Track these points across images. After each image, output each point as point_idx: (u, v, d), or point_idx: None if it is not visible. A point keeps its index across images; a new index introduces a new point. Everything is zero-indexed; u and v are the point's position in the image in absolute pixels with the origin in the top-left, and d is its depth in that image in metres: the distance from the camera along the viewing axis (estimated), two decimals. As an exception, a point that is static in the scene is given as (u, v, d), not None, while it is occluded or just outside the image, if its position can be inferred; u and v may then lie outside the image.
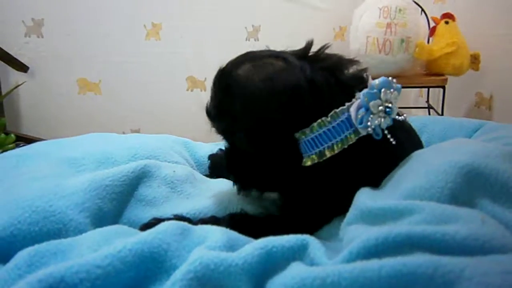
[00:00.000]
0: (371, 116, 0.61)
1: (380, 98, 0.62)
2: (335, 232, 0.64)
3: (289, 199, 0.73)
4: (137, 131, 1.74)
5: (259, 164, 0.70)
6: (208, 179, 0.92)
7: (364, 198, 0.60)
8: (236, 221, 0.68)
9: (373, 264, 0.41)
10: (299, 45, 1.70)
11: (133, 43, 1.66)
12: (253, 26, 1.81)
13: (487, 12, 1.57)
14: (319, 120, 0.63)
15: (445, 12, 1.60)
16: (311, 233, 0.62)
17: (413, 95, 2.16)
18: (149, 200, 0.74)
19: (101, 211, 0.66)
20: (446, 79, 1.52)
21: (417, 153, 0.67)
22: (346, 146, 0.62)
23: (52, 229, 0.57)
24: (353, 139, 0.62)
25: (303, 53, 0.69)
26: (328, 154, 0.63)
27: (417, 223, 0.47)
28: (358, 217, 0.57)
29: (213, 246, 0.51)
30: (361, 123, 0.61)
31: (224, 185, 0.88)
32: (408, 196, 0.54)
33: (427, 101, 1.89)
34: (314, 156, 0.64)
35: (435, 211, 0.48)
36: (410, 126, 0.77)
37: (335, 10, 1.93)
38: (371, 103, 0.61)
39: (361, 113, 0.61)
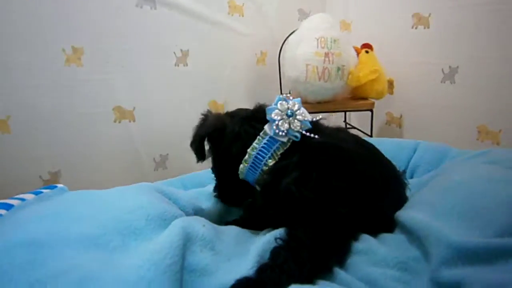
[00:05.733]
0: (276, 123, 0.76)
1: (279, 109, 0.77)
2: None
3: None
4: (57, 174, 1.46)
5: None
6: (220, 227, 0.84)
7: (445, 233, 0.63)
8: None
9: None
10: (224, 70, 1.75)
11: (50, 70, 1.38)
12: (181, 50, 1.71)
13: (401, 43, 1.80)
14: (251, 146, 0.79)
15: (364, 42, 1.78)
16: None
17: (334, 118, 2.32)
18: (202, 269, 0.64)
19: (176, 298, 0.54)
20: (373, 103, 1.68)
21: (464, 183, 0.73)
22: (277, 158, 0.77)
23: None
24: (281, 149, 0.78)
25: (247, 114, 0.86)
26: (266, 169, 0.77)
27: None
28: (455, 256, 0.59)
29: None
30: (275, 133, 0.77)
31: (241, 234, 0.82)
32: (502, 232, 0.59)
33: (345, 121, 2.07)
34: (261, 177, 0.78)
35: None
36: (357, 136, 0.91)
37: (256, 35, 1.97)
38: (273, 114, 0.77)
39: (272, 127, 0.77)
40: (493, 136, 1.52)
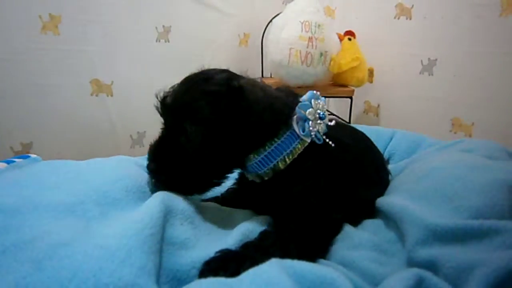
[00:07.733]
0: (310, 123, 0.72)
1: (312, 107, 0.73)
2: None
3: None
4: (29, 145, 1.41)
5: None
6: (200, 204, 0.83)
7: (421, 215, 0.65)
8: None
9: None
10: (206, 49, 1.72)
11: (25, 37, 1.32)
12: (164, 26, 1.67)
13: (383, 32, 1.82)
14: (271, 140, 0.72)
15: (347, 29, 1.79)
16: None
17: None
18: (182, 243, 0.64)
19: (156, 268, 0.53)
20: (353, 91, 1.70)
21: (441, 169, 0.75)
22: (296, 156, 0.72)
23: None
24: (300, 148, 0.72)
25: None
26: (281, 166, 0.72)
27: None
28: (430, 237, 0.61)
29: None
30: (303, 131, 0.72)
31: (221, 212, 0.82)
32: (477, 215, 0.61)
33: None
34: (268, 171, 0.73)
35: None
36: (351, 127, 0.94)
37: (240, 16, 1.94)
38: (307, 112, 0.72)
39: (301, 124, 0.72)
40: (466, 128, 1.57)
